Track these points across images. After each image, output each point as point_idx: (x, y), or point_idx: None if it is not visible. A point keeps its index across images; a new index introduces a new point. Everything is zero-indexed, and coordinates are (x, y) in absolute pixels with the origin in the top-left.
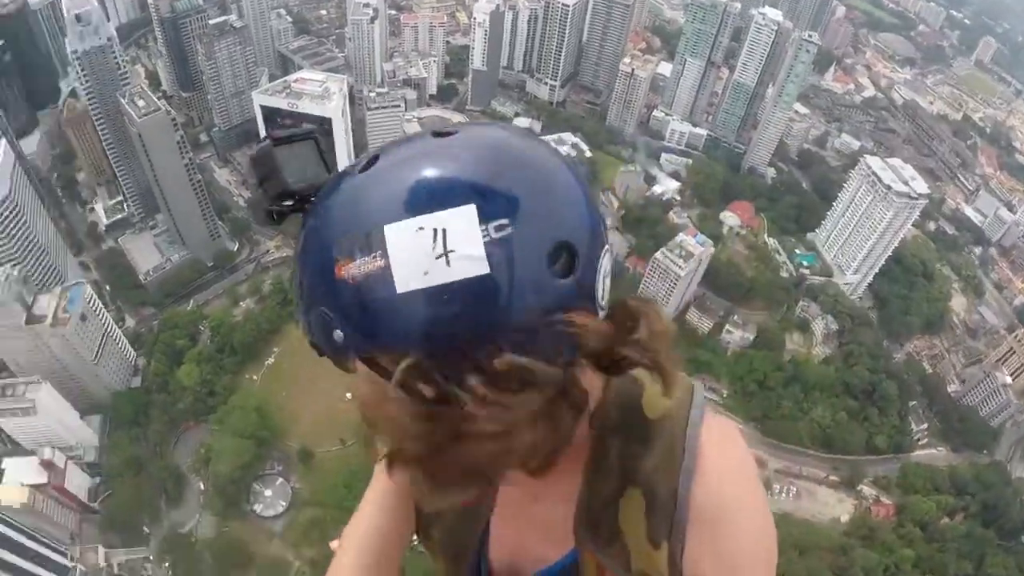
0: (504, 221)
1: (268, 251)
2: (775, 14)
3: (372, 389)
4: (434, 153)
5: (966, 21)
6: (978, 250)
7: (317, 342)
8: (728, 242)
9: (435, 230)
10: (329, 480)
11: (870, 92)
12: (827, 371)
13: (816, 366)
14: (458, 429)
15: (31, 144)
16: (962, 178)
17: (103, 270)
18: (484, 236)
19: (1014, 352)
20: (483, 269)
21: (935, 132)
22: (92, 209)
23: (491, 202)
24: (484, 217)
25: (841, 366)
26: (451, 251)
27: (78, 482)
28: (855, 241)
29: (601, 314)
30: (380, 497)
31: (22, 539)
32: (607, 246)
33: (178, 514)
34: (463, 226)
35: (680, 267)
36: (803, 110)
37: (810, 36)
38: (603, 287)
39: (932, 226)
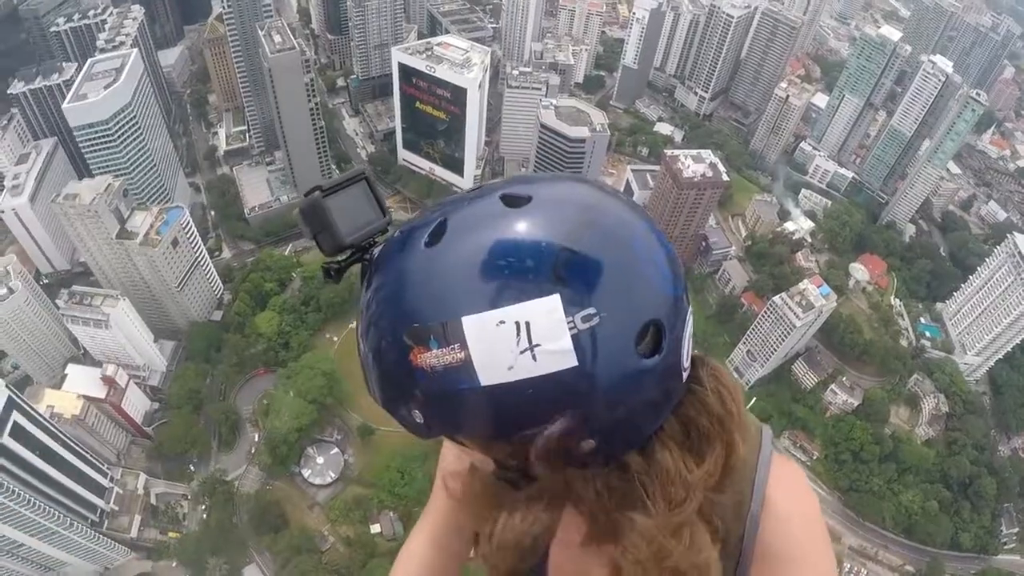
0: (591, 311)
1: None
2: (945, 64)
3: (460, 461)
4: (508, 229)
5: None
6: None
7: (392, 414)
8: (852, 296)
9: (517, 323)
10: (384, 461)
11: None
12: (927, 454)
13: (917, 447)
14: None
15: (171, 56)
16: None
17: (212, 195)
18: (570, 327)
19: None
20: (571, 363)
21: None
22: (215, 133)
23: (576, 289)
24: (570, 306)
25: (943, 452)
26: (536, 345)
27: (136, 404)
28: (985, 321)
29: (684, 375)
30: (433, 530)
31: (65, 453)
32: (689, 310)
33: (227, 460)
34: (548, 319)
35: (798, 317)
36: (955, 169)
37: (978, 94)
38: (686, 351)
39: None
